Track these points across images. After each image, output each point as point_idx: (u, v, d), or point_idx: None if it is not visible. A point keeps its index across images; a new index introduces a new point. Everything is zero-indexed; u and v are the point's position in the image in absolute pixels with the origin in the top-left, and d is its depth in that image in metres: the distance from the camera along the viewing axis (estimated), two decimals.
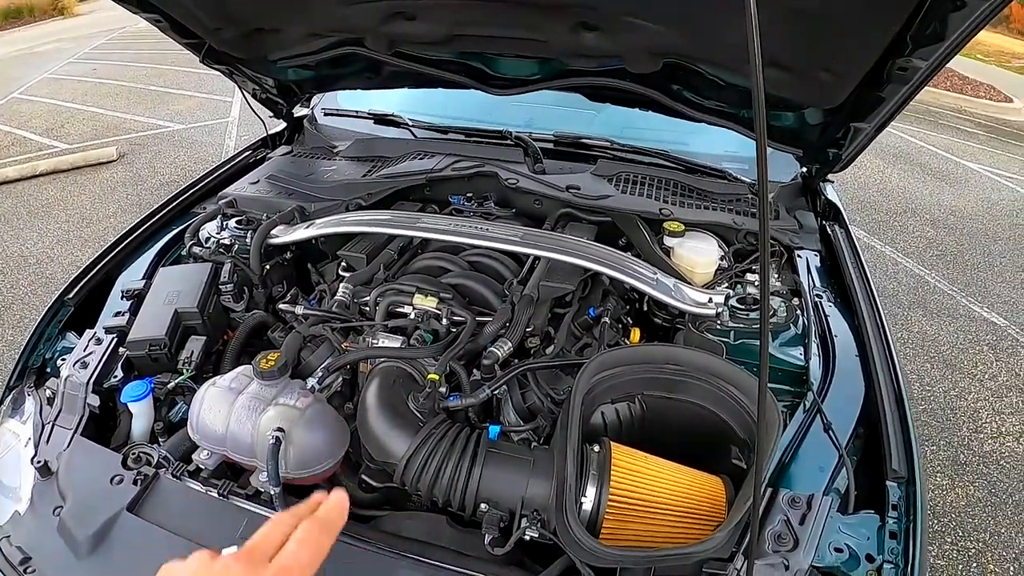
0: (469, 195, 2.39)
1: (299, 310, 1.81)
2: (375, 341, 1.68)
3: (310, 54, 2.39)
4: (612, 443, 1.36)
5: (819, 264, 2.19)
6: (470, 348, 1.66)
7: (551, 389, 1.59)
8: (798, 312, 1.85)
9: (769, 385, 1.47)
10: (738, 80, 2.02)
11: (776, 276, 2.06)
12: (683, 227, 2.12)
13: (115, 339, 1.74)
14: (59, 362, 1.76)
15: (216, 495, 1.40)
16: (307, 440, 1.40)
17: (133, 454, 1.46)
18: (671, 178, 2.48)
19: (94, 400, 1.60)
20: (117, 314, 1.82)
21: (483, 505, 1.33)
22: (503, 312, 1.72)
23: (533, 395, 1.60)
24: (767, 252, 0.73)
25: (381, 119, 2.94)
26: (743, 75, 1.98)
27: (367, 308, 1.85)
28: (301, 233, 2.04)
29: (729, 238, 2.21)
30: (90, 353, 1.70)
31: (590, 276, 1.98)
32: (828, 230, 2.43)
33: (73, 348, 1.75)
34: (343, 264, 2.07)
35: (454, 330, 1.71)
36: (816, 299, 1.99)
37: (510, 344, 1.63)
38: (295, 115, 3.08)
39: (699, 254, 2.06)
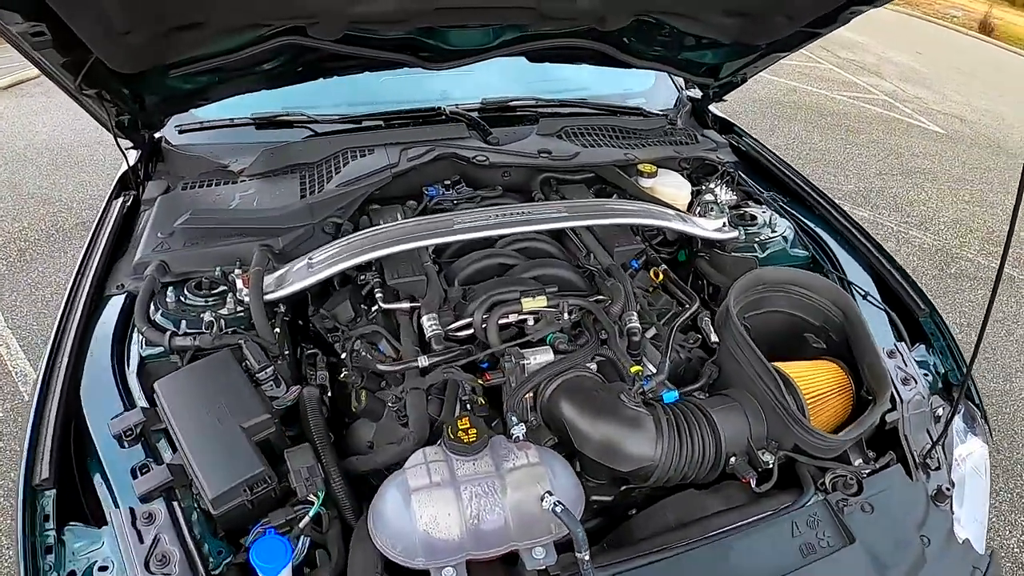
0: (447, 182, 2.27)
1: (424, 361, 1.61)
2: (526, 361, 1.62)
3: (226, 53, 1.97)
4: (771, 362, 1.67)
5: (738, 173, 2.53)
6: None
7: (680, 341, 1.81)
8: (779, 217, 2.27)
9: None
10: (687, 27, 2.19)
11: (732, 193, 2.38)
12: (655, 168, 2.34)
13: (170, 502, 1.33)
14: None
15: None
16: (568, 489, 1.34)
17: None
18: (604, 124, 2.58)
19: None
20: (142, 470, 1.37)
21: (732, 459, 1.50)
22: (616, 288, 1.79)
23: (673, 352, 1.76)
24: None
25: (268, 122, 2.51)
26: (693, 21, 2.16)
27: (457, 334, 1.74)
28: (309, 277, 1.69)
29: (672, 168, 2.45)
30: (156, 540, 1.26)
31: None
32: (733, 142, 2.82)
33: (98, 547, 1.29)
34: (379, 296, 1.79)
35: (573, 320, 1.75)
36: (774, 201, 2.42)
37: (635, 314, 1.76)
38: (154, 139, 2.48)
39: (678, 188, 2.34)
